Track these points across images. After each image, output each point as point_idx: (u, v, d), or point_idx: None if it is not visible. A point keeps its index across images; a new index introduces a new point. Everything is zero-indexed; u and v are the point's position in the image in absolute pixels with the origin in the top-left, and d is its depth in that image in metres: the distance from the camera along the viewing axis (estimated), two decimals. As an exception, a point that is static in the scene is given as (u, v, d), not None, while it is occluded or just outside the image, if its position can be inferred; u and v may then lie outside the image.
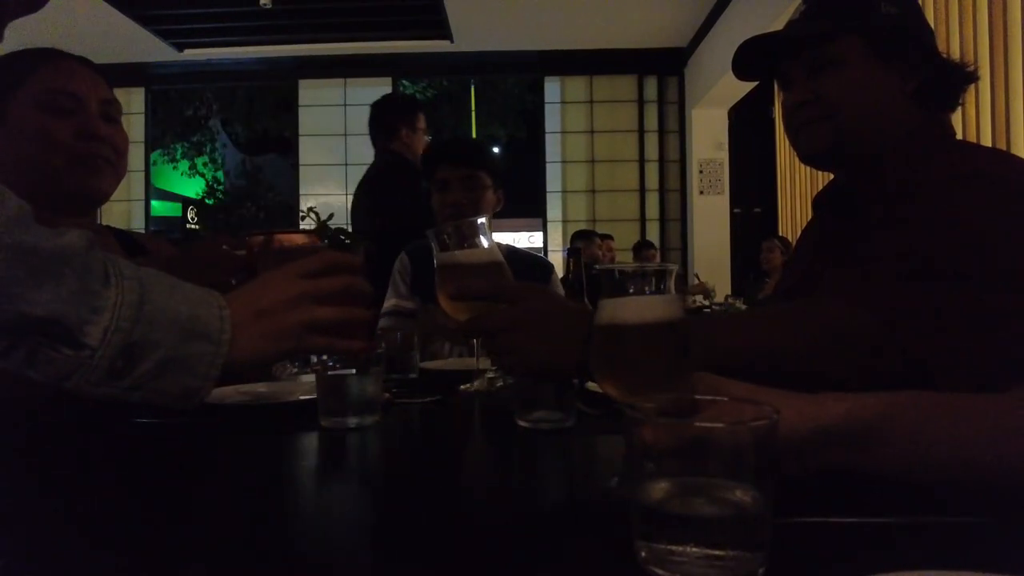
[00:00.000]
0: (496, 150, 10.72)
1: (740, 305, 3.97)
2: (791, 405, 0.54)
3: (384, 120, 2.85)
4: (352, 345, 0.72)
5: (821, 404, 0.55)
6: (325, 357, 0.85)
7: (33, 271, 0.52)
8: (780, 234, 5.49)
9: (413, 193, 2.52)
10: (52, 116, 1.09)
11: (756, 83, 5.03)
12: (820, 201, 1.08)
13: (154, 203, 6.90)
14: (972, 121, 3.10)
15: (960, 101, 0.99)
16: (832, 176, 1.08)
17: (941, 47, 0.99)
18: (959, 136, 1.05)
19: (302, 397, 1.04)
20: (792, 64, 0.98)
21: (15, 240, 0.52)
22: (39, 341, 0.54)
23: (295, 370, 1.28)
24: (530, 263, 2.02)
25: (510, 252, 1.95)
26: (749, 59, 1.02)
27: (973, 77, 0.98)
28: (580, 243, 4.68)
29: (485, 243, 0.92)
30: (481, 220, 0.93)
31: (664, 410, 0.51)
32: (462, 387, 1.20)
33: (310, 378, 1.16)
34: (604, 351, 0.62)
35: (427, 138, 2.89)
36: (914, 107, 0.95)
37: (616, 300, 0.61)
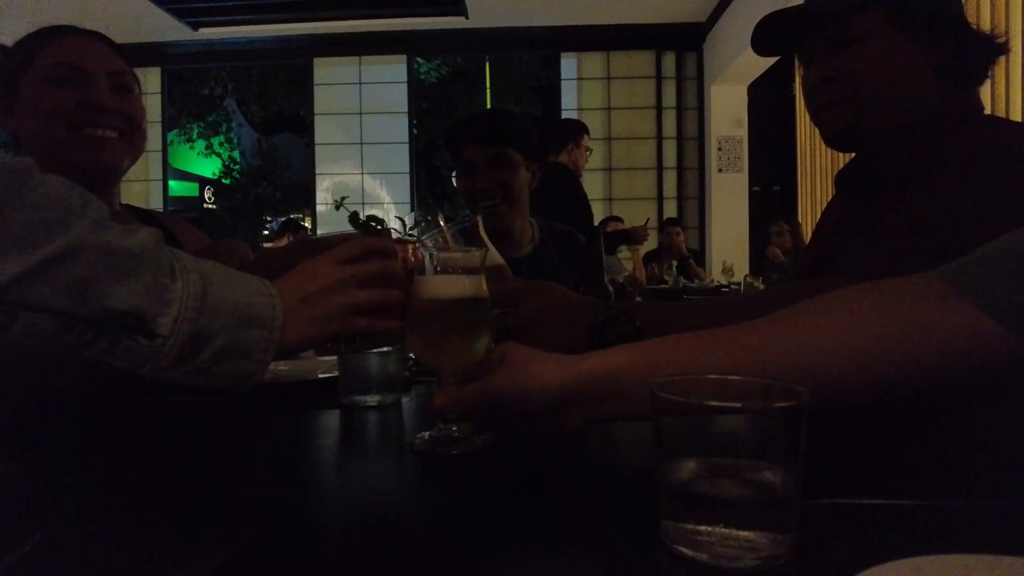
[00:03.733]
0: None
1: (759, 285, 3.94)
2: (543, 367, 0.60)
3: (553, 133, 3.47)
4: (391, 324, 0.75)
5: (569, 364, 0.60)
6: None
7: (113, 269, 0.57)
8: (798, 214, 5.42)
9: (577, 200, 3.25)
10: (56, 88, 1.09)
11: (776, 59, 4.94)
12: (842, 178, 1.06)
13: (171, 183, 6.95)
14: (1001, 96, 3.02)
15: (988, 74, 0.96)
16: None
17: (970, 16, 0.96)
18: (988, 111, 1.02)
19: (323, 375, 1.04)
20: (814, 40, 0.95)
21: (100, 241, 0.57)
22: (120, 332, 0.58)
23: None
24: (561, 237, 1.93)
25: (551, 234, 1.83)
26: (769, 35, 1.00)
27: (1003, 49, 0.95)
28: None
29: (483, 246, 0.88)
30: (477, 221, 0.90)
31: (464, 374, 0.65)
32: None
33: (329, 356, 1.17)
34: (411, 324, 0.74)
35: (588, 154, 3.58)
36: (940, 81, 0.91)
37: (426, 277, 0.74)
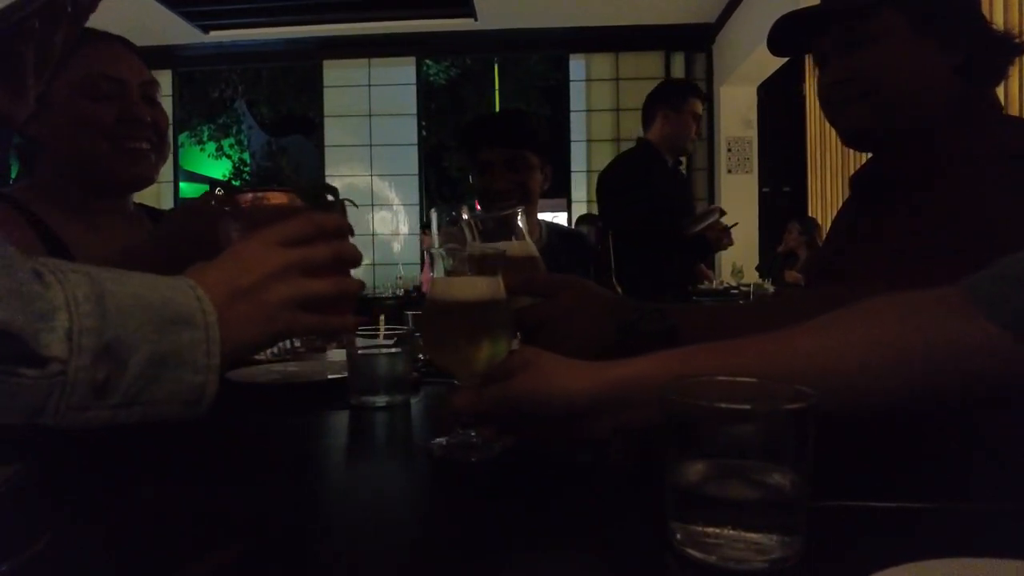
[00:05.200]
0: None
1: (768, 287, 3.92)
2: (571, 372, 0.58)
3: (643, 108, 2.78)
4: (346, 322, 0.64)
5: (598, 371, 0.58)
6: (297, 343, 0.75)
7: None
8: (810, 214, 5.39)
9: (639, 191, 2.52)
10: (94, 101, 1.10)
11: (785, 60, 4.91)
12: (857, 180, 1.05)
13: (182, 185, 6.98)
14: (1015, 97, 2.99)
15: (1006, 74, 0.95)
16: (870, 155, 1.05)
17: (986, 14, 0.95)
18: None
19: (332, 376, 1.05)
20: (829, 39, 0.95)
21: None
22: None
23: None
24: (569, 238, 1.96)
25: (556, 234, 1.88)
26: (785, 35, 0.99)
27: (1021, 49, 0.94)
28: (585, 227, 4.67)
29: (519, 237, 0.90)
30: (518, 212, 0.90)
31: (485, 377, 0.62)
32: None
33: (340, 357, 1.17)
34: (427, 325, 0.70)
35: (697, 117, 2.72)
36: (956, 82, 0.91)
37: (443, 279, 0.69)
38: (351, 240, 0.65)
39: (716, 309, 0.84)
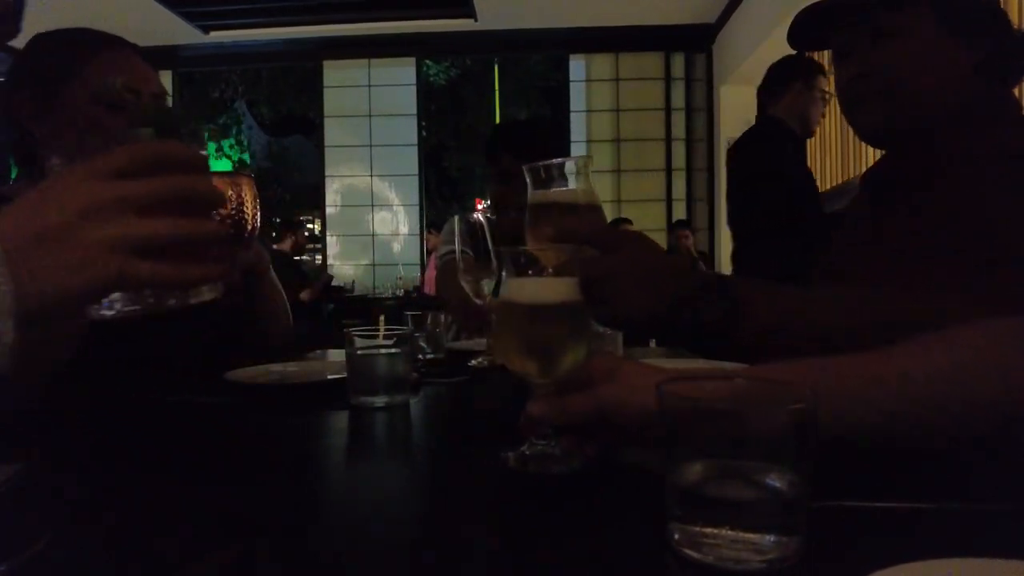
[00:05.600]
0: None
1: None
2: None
3: (769, 81, 2.53)
4: (208, 272, 0.52)
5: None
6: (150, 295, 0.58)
7: None
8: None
9: (772, 169, 2.28)
10: (109, 110, 1.09)
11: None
12: (870, 177, 1.04)
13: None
14: None
15: None
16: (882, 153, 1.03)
17: (1012, 15, 0.94)
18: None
19: (332, 377, 1.05)
20: (851, 33, 0.93)
21: None
22: None
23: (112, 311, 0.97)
24: None
25: None
26: (806, 28, 0.97)
27: None
28: None
29: (583, 184, 0.84)
30: (583, 157, 0.86)
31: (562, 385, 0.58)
32: (471, 363, 1.21)
33: (340, 357, 1.17)
34: (502, 328, 0.64)
35: (826, 99, 2.47)
36: (976, 80, 0.89)
37: (518, 280, 0.64)
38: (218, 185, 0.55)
39: (781, 291, 0.78)
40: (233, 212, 0.70)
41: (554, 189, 0.83)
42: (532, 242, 0.83)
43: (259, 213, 0.74)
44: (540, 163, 0.83)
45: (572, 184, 0.82)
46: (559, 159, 0.83)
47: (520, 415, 0.62)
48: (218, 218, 0.58)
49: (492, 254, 1.21)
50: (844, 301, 0.74)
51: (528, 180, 0.85)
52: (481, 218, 1.23)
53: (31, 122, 1.09)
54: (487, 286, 1.23)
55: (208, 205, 0.54)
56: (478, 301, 1.25)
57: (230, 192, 0.68)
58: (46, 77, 1.10)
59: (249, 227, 0.68)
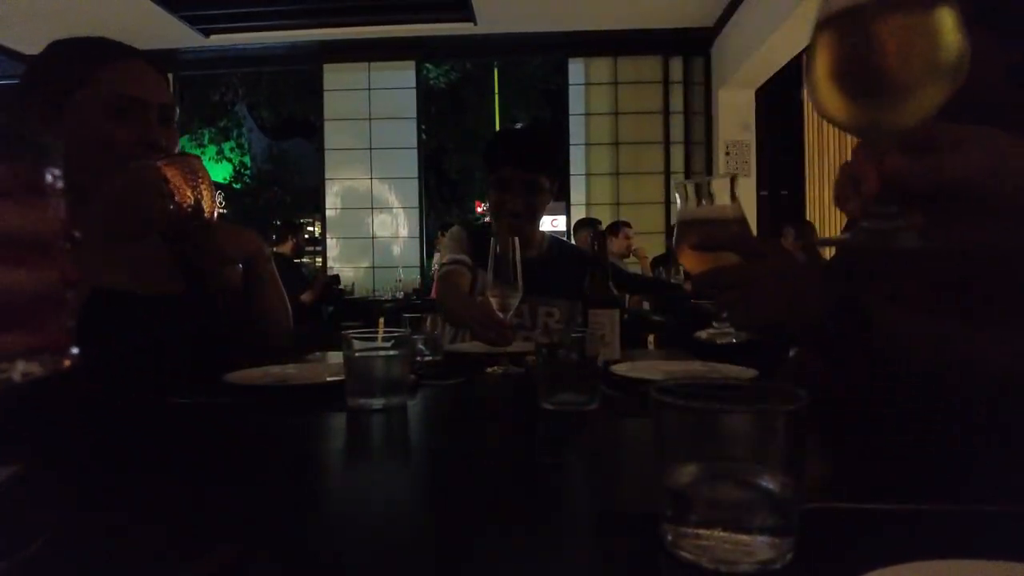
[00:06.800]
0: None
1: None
2: None
3: None
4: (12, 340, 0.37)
5: None
6: None
7: None
8: (808, 218, 5.39)
9: None
10: (117, 121, 1.09)
11: (784, 64, 4.92)
12: None
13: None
14: None
15: None
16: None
17: None
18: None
19: (330, 379, 1.05)
20: None
21: None
22: None
23: None
24: (568, 249, 2.05)
25: (557, 244, 2.00)
26: None
27: None
28: (584, 231, 4.68)
29: (728, 201, 0.89)
30: (732, 177, 0.91)
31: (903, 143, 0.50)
32: (488, 370, 1.22)
33: (338, 359, 1.18)
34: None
35: None
36: (1007, 82, 0.85)
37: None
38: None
39: (916, 318, 0.75)
40: (188, 196, 0.67)
41: (704, 205, 0.89)
42: (680, 254, 0.89)
43: (212, 193, 0.72)
44: (690, 180, 0.90)
45: (719, 201, 0.88)
46: (708, 176, 0.89)
47: (841, 179, 0.55)
48: (172, 205, 0.52)
49: (517, 275, 1.26)
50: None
51: (678, 197, 0.91)
52: (511, 244, 1.27)
53: (41, 127, 1.10)
54: (512, 303, 1.27)
55: (13, 244, 0.37)
56: (501, 315, 1.29)
57: (176, 175, 0.66)
58: (57, 83, 1.10)
59: (206, 210, 0.65)
